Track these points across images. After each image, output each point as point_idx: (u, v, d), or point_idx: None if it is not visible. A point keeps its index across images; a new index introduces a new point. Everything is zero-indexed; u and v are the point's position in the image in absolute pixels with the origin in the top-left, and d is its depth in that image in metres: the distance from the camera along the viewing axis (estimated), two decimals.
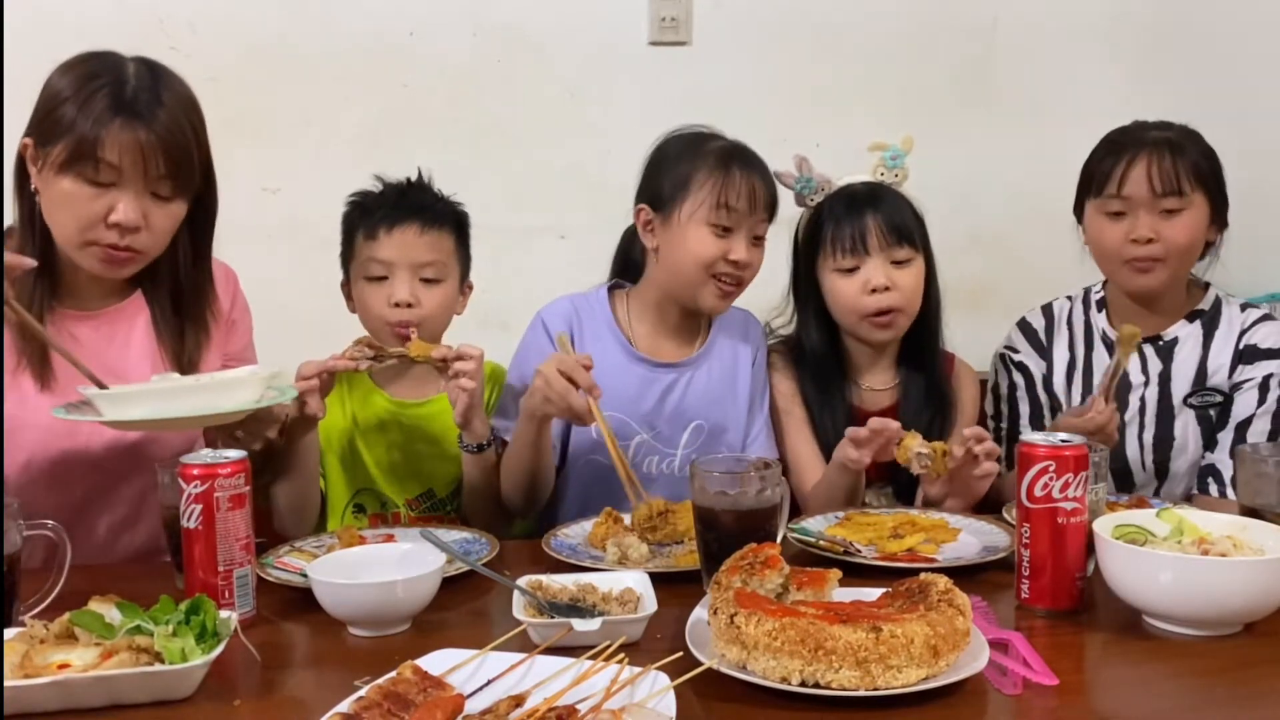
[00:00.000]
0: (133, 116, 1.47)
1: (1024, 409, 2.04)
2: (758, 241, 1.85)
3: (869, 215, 1.87)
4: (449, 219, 1.88)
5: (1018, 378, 2.06)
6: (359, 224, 1.86)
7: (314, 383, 1.64)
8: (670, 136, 1.90)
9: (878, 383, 1.99)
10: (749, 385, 1.95)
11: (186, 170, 1.53)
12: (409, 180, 1.90)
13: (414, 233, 1.82)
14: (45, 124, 1.49)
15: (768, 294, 2.04)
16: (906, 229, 1.88)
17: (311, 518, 1.83)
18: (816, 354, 1.97)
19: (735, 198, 1.79)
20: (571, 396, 1.63)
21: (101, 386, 1.46)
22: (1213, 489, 1.92)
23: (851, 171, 1.96)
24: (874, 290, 1.86)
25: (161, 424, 1.49)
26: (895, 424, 1.69)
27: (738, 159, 1.82)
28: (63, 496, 1.59)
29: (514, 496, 1.81)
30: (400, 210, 1.83)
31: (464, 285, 1.94)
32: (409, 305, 1.82)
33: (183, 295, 1.67)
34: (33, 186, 1.53)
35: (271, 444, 1.64)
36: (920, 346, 1.97)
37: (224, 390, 1.48)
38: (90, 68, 1.50)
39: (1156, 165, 1.84)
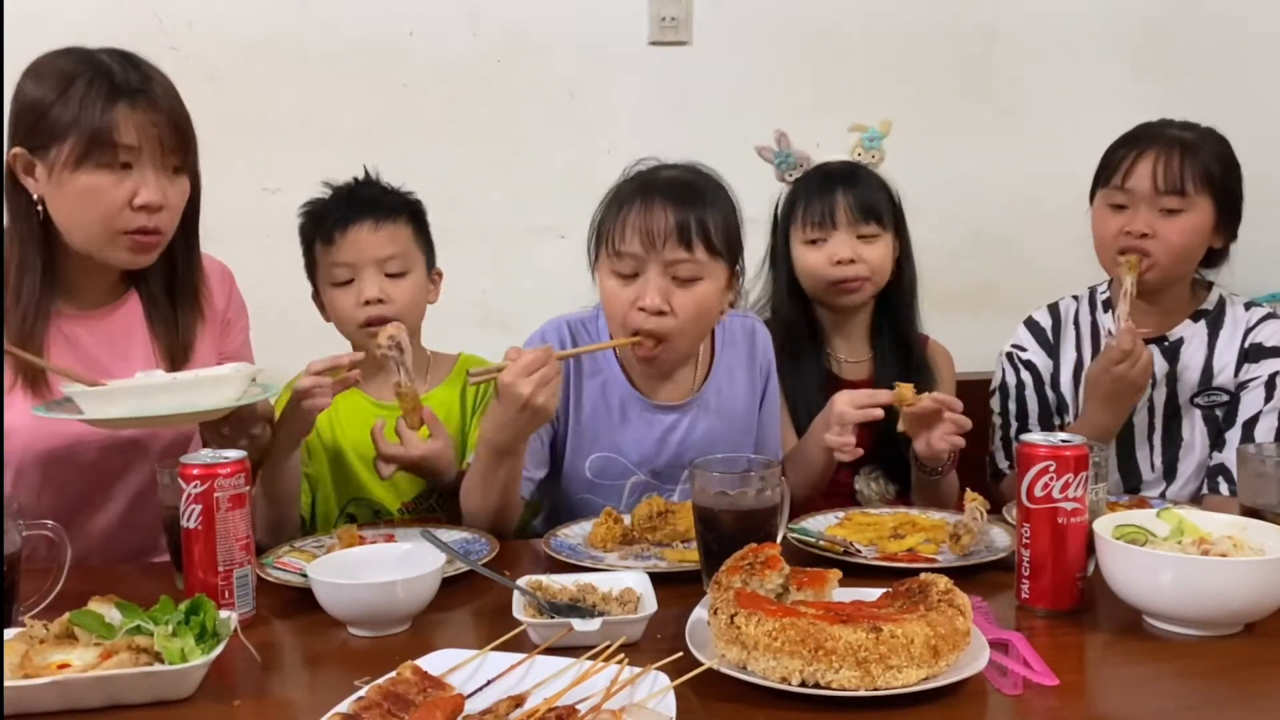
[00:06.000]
0: (134, 97, 1.49)
1: (1032, 407, 2.04)
2: (684, 283, 1.65)
3: (839, 192, 1.95)
4: (402, 210, 1.86)
5: (1025, 376, 2.06)
6: (315, 233, 1.86)
7: (322, 380, 1.55)
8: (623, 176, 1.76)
9: (853, 354, 2.06)
10: (756, 402, 1.87)
11: (190, 142, 1.58)
12: (356, 180, 1.89)
13: (368, 229, 1.81)
14: (37, 130, 1.49)
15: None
16: (875, 207, 1.96)
17: (286, 539, 1.69)
18: (788, 321, 2.02)
19: (622, 239, 1.64)
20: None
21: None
22: (1224, 488, 1.91)
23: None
24: (839, 262, 1.94)
25: (141, 421, 1.48)
26: (886, 394, 1.68)
27: (642, 192, 1.66)
28: (56, 499, 1.59)
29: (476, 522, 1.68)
30: (351, 210, 1.82)
31: (432, 273, 1.92)
32: (379, 301, 1.81)
33: (176, 280, 1.67)
34: (35, 196, 1.52)
35: (258, 440, 1.58)
36: (892, 319, 2.03)
37: (204, 388, 1.46)
38: (66, 65, 1.50)
39: (1163, 162, 1.84)
